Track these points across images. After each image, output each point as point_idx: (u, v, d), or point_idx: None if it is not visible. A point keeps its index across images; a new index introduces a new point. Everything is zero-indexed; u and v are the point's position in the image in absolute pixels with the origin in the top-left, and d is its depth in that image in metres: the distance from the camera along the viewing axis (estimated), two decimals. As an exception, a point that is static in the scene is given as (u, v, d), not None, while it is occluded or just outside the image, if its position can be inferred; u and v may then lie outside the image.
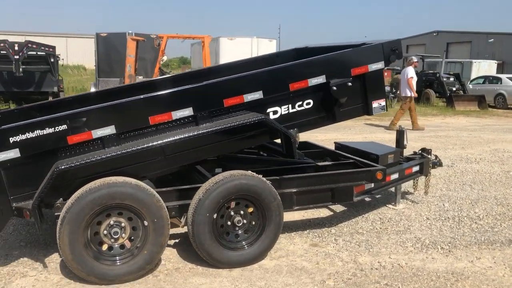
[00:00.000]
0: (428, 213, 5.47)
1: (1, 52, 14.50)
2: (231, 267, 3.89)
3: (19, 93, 15.12)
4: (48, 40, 21.39)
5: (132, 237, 3.66)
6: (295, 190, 4.31)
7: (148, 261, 3.64)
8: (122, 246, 3.65)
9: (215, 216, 3.78)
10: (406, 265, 4.06)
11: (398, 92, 22.47)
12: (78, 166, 3.41)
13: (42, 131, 3.41)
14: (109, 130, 3.58)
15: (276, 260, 4.12)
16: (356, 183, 4.56)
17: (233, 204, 3.90)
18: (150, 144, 3.56)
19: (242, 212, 3.93)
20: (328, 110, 4.31)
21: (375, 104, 4.44)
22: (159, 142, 3.59)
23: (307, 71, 4.13)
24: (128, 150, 3.52)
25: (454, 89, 21.12)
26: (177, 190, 3.94)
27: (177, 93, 3.84)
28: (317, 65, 4.19)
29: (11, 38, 15.89)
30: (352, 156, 5.16)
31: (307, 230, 4.83)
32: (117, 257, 3.61)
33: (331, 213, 5.45)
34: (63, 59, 18.43)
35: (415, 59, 13.15)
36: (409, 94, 12.67)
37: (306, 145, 5.92)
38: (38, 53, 15.37)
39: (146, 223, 3.59)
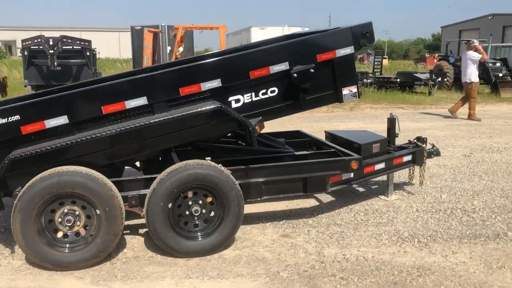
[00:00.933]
0: (420, 205, 5.22)
1: (39, 47, 15.18)
2: (188, 256, 3.89)
3: (57, 86, 15.77)
4: (103, 35, 22.10)
5: (87, 225, 3.73)
6: (262, 180, 4.24)
7: (101, 249, 3.69)
8: (77, 234, 3.73)
9: (170, 205, 3.77)
10: (372, 259, 3.90)
11: (446, 80, 21.62)
12: (28, 155, 3.51)
13: None
14: (62, 120, 3.65)
15: (239, 250, 4.08)
16: (329, 173, 4.42)
17: (190, 194, 3.88)
18: (97, 133, 3.59)
19: (200, 202, 3.90)
20: (295, 98, 4.18)
21: (345, 91, 4.26)
22: (106, 131, 3.62)
23: (268, 58, 4.02)
24: (77, 139, 3.58)
25: (500, 75, 19.99)
26: (137, 180, 3.97)
27: (128, 82, 3.86)
28: (279, 51, 4.07)
29: (72, 34, 16.65)
30: (334, 146, 5.01)
31: (284, 221, 4.74)
32: (71, 245, 3.69)
33: (317, 203, 5.33)
34: (99, 53, 19.01)
35: (476, 42, 12.31)
36: (470, 80, 11.94)
37: (297, 134, 5.81)
38: (74, 47, 15.95)
39: (98, 211, 3.65)
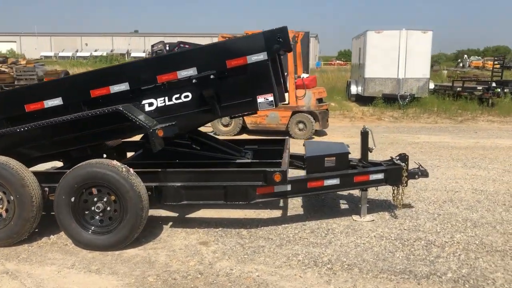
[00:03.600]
0: (388, 230, 4.63)
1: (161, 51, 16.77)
2: (90, 249, 4.13)
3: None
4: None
5: (8, 209, 4.21)
6: (179, 184, 4.26)
7: (14, 232, 4.15)
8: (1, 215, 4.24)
9: (73, 199, 4.06)
10: (256, 277, 3.66)
11: None
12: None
13: None
14: (-5, 116, 4.21)
15: (143, 250, 4.18)
16: (251, 184, 4.23)
17: (95, 191, 4.11)
18: (9, 130, 4.07)
19: (105, 199, 4.11)
20: (208, 105, 4.10)
21: (260, 99, 4.04)
22: (16, 128, 4.07)
23: (176, 63, 4.04)
24: None
25: None
26: (58, 173, 4.32)
27: (47, 84, 4.24)
28: (187, 57, 4.06)
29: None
30: (286, 157, 4.76)
31: (220, 228, 4.67)
32: (-10, 225, 4.22)
33: (279, 215, 5.11)
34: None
35: None
36: None
37: (280, 143, 5.62)
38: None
39: (12, 198, 4.11)
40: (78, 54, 66.51)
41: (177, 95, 4.13)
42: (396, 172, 4.76)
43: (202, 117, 4.21)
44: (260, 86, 4.02)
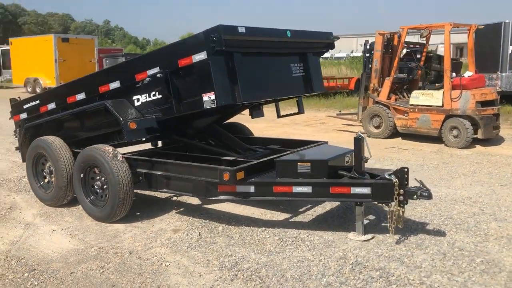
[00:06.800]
0: (363, 254, 3.98)
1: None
2: (93, 218, 4.97)
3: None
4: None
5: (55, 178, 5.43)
6: (159, 173, 4.70)
7: (54, 196, 5.33)
8: (52, 182, 5.50)
9: (82, 175, 4.97)
10: (163, 267, 3.85)
11: None
12: (29, 125, 5.56)
13: (29, 103, 5.73)
14: (52, 105, 5.47)
15: (125, 226, 4.76)
16: (208, 180, 4.33)
17: (96, 170, 4.92)
18: (40, 120, 5.28)
19: (103, 178, 4.88)
20: (171, 102, 4.40)
21: (205, 98, 4.10)
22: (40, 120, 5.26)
23: (146, 63, 4.46)
24: (44, 119, 5.36)
25: None
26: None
27: (76, 81, 5.22)
28: (153, 57, 4.44)
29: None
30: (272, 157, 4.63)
31: (207, 221, 4.86)
32: (47, 189, 5.50)
33: (282, 218, 4.95)
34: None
35: None
36: None
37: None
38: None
39: (52, 168, 5.31)
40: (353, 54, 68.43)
41: (154, 92, 4.56)
42: (385, 188, 4.03)
43: (167, 113, 4.49)
44: (203, 85, 4.10)
